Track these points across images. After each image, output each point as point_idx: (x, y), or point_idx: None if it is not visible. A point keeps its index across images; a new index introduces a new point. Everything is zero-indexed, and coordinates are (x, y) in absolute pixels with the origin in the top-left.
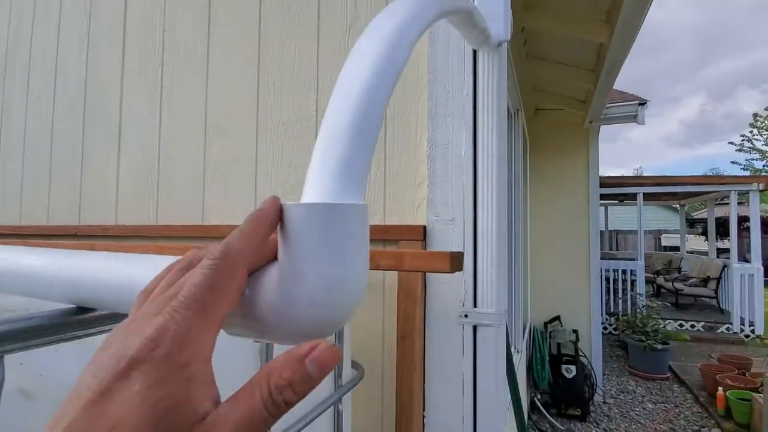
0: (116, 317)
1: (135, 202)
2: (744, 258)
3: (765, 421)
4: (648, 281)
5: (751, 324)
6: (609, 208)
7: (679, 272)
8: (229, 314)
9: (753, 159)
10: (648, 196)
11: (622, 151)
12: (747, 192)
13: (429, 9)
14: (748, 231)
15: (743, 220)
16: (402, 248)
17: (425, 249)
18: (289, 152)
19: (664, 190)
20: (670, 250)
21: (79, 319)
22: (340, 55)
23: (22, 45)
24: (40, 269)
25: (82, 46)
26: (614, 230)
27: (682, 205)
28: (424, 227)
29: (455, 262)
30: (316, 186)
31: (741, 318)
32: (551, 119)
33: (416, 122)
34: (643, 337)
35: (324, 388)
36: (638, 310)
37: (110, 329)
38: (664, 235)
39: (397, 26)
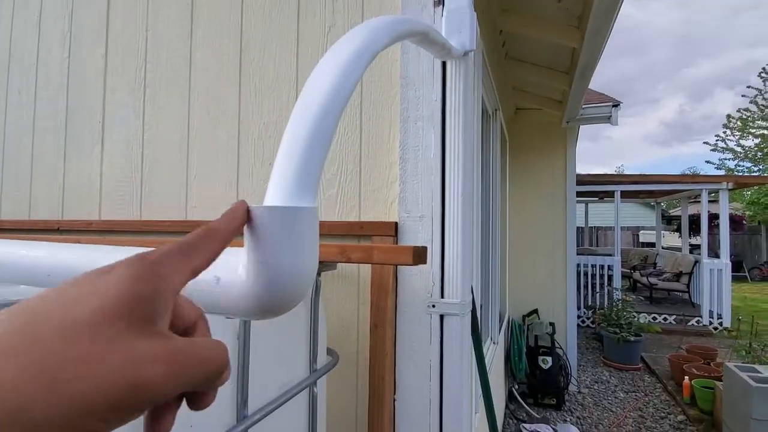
0: None
1: (119, 197)
2: (714, 254)
3: (725, 406)
4: (625, 276)
5: (719, 317)
6: (589, 205)
7: (654, 267)
8: (206, 298)
9: (726, 159)
10: (626, 194)
11: (603, 149)
12: (717, 190)
13: (383, 37)
14: (718, 228)
15: (714, 217)
16: (375, 243)
17: (396, 243)
18: (269, 151)
19: (640, 188)
20: (647, 246)
21: None
22: (318, 58)
23: (1, 40)
24: (39, 260)
25: (64, 43)
26: (594, 227)
27: (659, 203)
28: (396, 223)
29: (418, 255)
30: (276, 191)
31: (710, 311)
32: (531, 119)
33: (389, 125)
34: (617, 330)
35: (299, 372)
36: (614, 304)
37: None
38: (641, 231)
39: (353, 52)
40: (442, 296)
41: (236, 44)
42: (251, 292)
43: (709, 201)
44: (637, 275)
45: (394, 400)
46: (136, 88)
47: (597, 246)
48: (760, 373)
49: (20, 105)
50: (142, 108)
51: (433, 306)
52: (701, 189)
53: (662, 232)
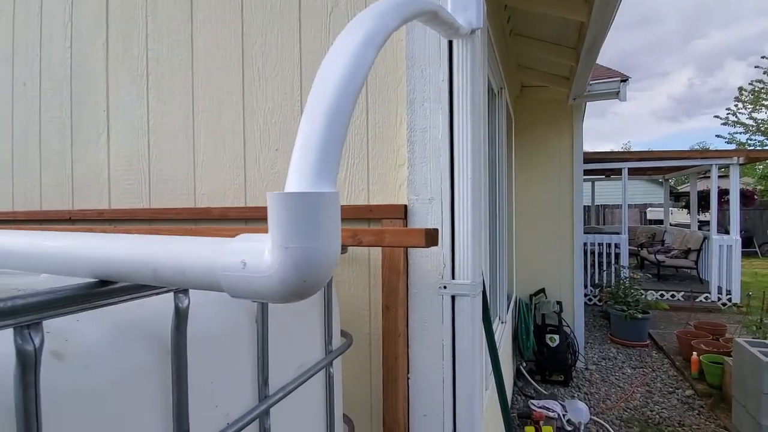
0: (133, 288)
1: (128, 186)
2: (724, 230)
3: (734, 381)
4: (632, 254)
5: (728, 293)
6: (596, 183)
7: (662, 245)
8: (235, 283)
9: (737, 132)
10: (633, 171)
11: (610, 125)
12: (728, 165)
13: (393, 18)
14: (729, 204)
15: (724, 193)
16: (385, 226)
17: (406, 226)
18: (275, 137)
19: (648, 165)
20: (654, 224)
21: (102, 291)
22: (321, 40)
23: (3, 32)
24: (64, 250)
25: (66, 32)
26: (601, 205)
27: (667, 180)
28: (405, 206)
29: (430, 237)
30: (297, 178)
31: (719, 287)
32: (537, 96)
33: (396, 107)
34: (624, 307)
35: (315, 354)
36: (621, 282)
37: (129, 299)
38: (649, 208)
39: (364, 36)
40: (453, 277)
41: (237, 28)
42: (276, 276)
43: (719, 176)
44: (644, 253)
45: (408, 379)
46: (139, 75)
47: (604, 224)
48: None
49: (26, 97)
50: (145, 96)
51: (445, 287)
52: (711, 164)
53: (670, 209)
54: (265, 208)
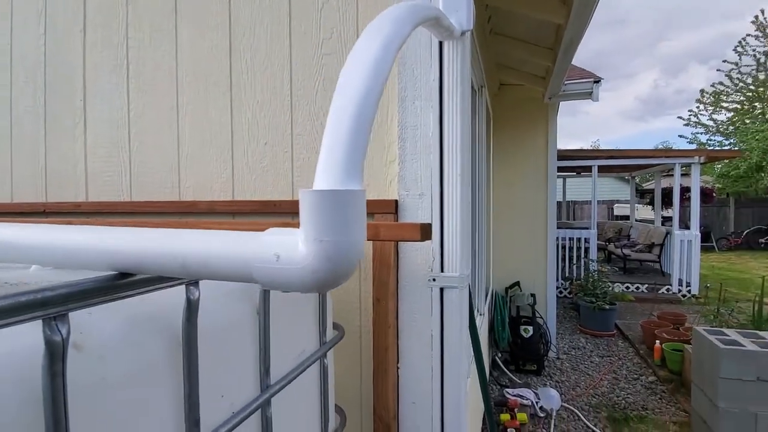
0: (153, 281)
1: (107, 178)
2: (685, 225)
3: (694, 367)
4: (600, 248)
5: (688, 285)
6: (567, 180)
7: (628, 239)
8: (268, 275)
9: (698, 133)
10: (602, 169)
11: (581, 124)
12: (690, 164)
13: (407, 25)
14: (690, 201)
15: (686, 190)
16: (377, 220)
17: (397, 221)
18: (264, 130)
19: (617, 163)
20: (621, 219)
21: (122, 283)
22: (312, 34)
23: None
24: (83, 243)
25: (40, 19)
26: (571, 201)
27: (633, 177)
28: (396, 201)
29: (425, 232)
30: (328, 176)
31: (679, 279)
32: (514, 95)
33: (387, 104)
34: (593, 299)
35: (311, 346)
36: (590, 275)
37: (148, 291)
38: (616, 204)
39: (382, 43)
40: (442, 270)
41: (224, 20)
42: (310, 267)
43: (682, 174)
44: (611, 247)
45: (398, 369)
46: (119, 65)
47: (574, 219)
48: (728, 336)
49: None
50: (126, 86)
51: (434, 280)
52: (674, 163)
53: (636, 205)
54: (253, 202)
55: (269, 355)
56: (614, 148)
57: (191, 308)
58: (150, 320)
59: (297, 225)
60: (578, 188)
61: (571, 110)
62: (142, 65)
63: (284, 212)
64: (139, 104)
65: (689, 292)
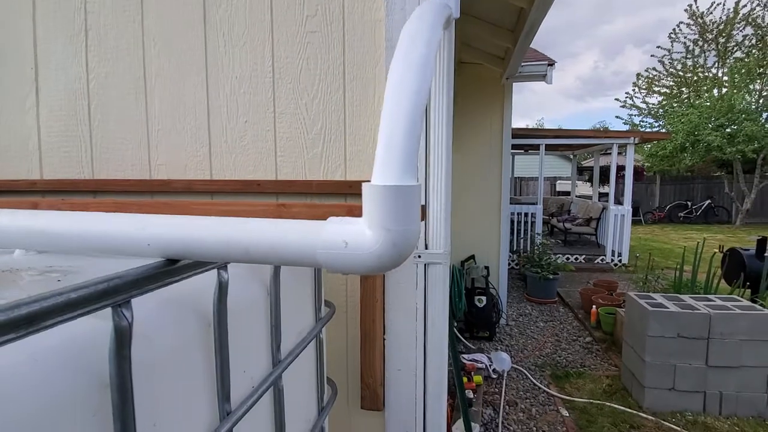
0: (198, 265)
1: (64, 153)
2: (618, 201)
3: (626, 327)
4: (544, 222)
5: (620, 255)
6: (515, 157)
7: (569, 214)
8: (334, 259)
9: (633, 114)
10: (548, 147)
11: (527, 102)
12: (626, 145)
13: (440, 27)
14: (624, 178)
15: (621, 168)
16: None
17: None
18: (244, 107)
19: (562, 142)
20: (562, 195)
21: (171, 269)
22: (295, 10)
23: None
24: (131, 232)
25: None
26: (518, 177)
27: (575, 155)
28: None
29: (422, 213)
30: (388, 172)
31: (612, 251)
32: (473, 73)
33: (374, 87)
34: (538, 270)
35: (308, 322)
36: (536, 248)
37: (190, 275)
38: (558, 181)
39: (426, 49)
40: (426, 247)
41: None
42: (377, 253)
43: (618, 154)
44: (554, 221)
45: (384, 339)
46: (76, 32)
47: (520, 195)
48: (654, 299)
49: None
50: (84, 54)
51: (419, 256)
52: (612, 143)
53: (576, 181)
54: (235, 182)
55: (280, 332)
56: (557, 126)
57: (222, 290)
58: (184, 302)
59: (286, 206)
60: (524, 165)
61: (518, 89)
62: (103, 32)
63: (268, 192)
64: (99, 74)
65: (620, 261)
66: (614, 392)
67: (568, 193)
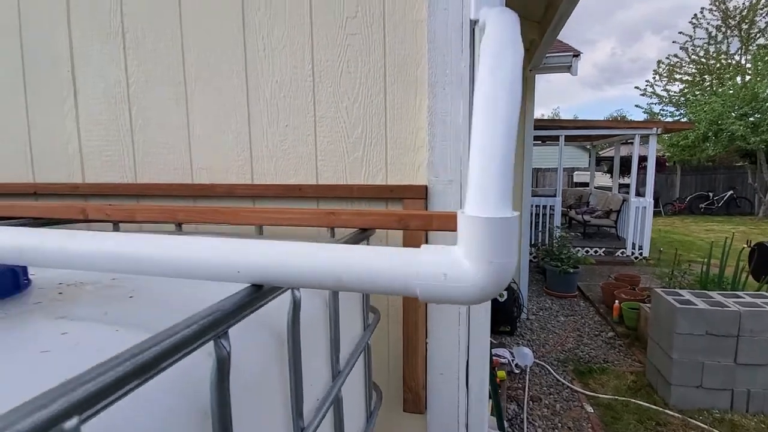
0: (279, 288)
1: (106, 158)
2: (638, 192)
3: (651, 324)
4: (562, 214)
5: (640, 248)
6: (534, 148)
7: (587, 206)
8: (432, 290)
9: (653, 103)
10: (568, 138)
11: (543, 91)
12: (648, 135)
13: (520, 41)
14: (646, 169)
15: (642, 159)
16: (407, 206)
17: (426, 207)
18: (285, 112)
19: (583, 133)
20: (580, 186)
21: (258, 295)
22: (335, 12)
23: None
24: (224, 258)
25: None
26: (535, 168)
27: (594, 146)
28: (426, 187)
29: None
30: (486, 202)
31: (633, 243)
32: None
33: (415, 89)
34: (558, 263)
35: (357, 330)
36: (555, 240)
37: (273, 299)
38: (576, 172)
39: (513, 74)
40: None
41: None
42: (480, 284)
43: (639, 144)
44: (572, 213)
45: (426, 343)
46: (112, 33)
47: (537, 187)
48: (682, 296)
49: None
50: (123, 56)
51: None
52: (635, 134)
53: (594, 172)
54: (276, 186)
55: (339, 344)
56: (573, 115)
57: (296, 309)
58: (263, 324)
59: (335, 213)
60: (541, 156)
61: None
62: (140, 35)
63: (308, 197)
64: (139, 79)
65: (641, 254)
66: (639, 389)
67: (585, 185)
